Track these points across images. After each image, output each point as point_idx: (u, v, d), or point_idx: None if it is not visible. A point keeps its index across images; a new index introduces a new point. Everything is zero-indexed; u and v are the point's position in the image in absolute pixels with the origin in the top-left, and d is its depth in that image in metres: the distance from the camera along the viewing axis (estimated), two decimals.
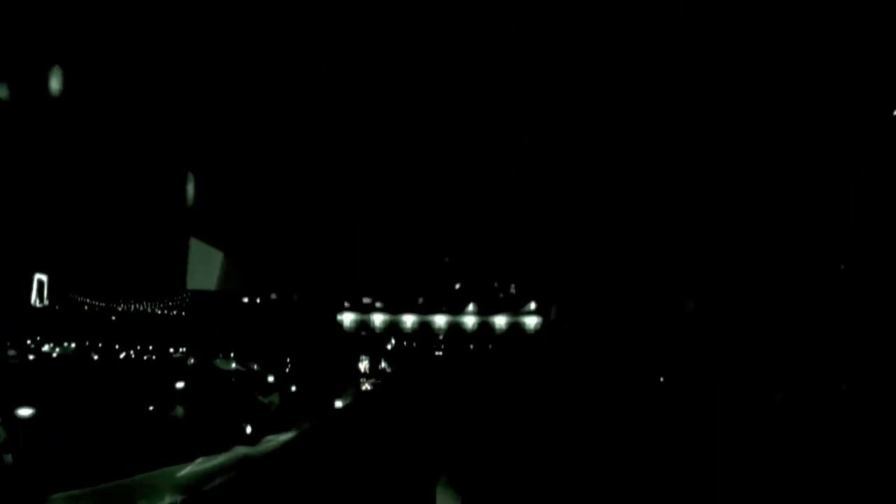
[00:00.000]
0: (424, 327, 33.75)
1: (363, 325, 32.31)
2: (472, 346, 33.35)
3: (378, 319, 32.63)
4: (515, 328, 34.93)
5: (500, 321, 34.99)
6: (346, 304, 31.36)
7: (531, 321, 34.61)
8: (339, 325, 29.95)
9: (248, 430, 27.42)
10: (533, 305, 34.59)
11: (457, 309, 34.43)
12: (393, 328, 33.20)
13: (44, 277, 51.21)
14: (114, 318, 48.10)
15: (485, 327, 34.86)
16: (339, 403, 23.93)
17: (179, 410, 25.25)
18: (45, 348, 40.60)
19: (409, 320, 33.37)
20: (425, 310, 33.93)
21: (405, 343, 33.23)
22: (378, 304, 32.66)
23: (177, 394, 26.31)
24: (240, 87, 21.85)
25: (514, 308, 34.94)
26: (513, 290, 34.58)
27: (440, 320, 34.07)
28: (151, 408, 25.41)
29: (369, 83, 21.35)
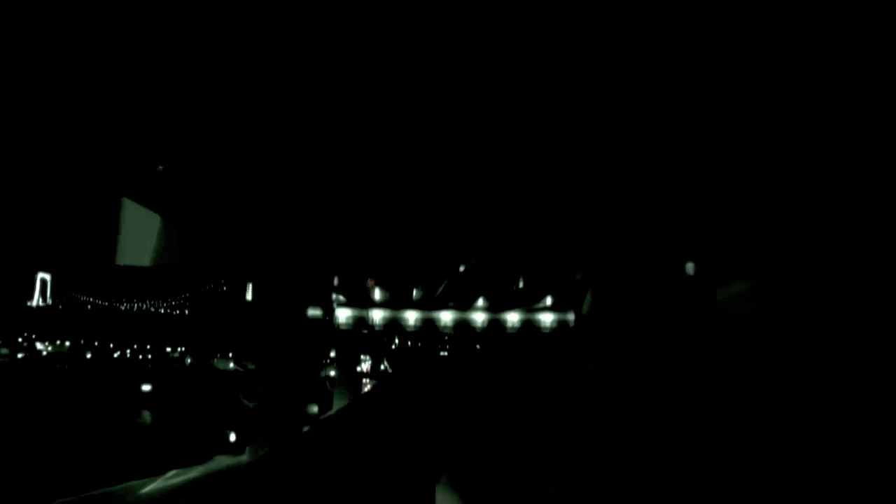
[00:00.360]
0: (428, 325, 31.83)
1: (361, 322, 30.42)
2: (478, 346, 31.75)
3: (378, 316, 30.66)
4: (529, 326, 32.89)
5: (513, 318, 32.92)
6: (343, 300, 29.38)
7: (547, 318, 32.67)
8: (315, 319, 27.88)
9: (232, 437, 25.64)
10: (549, 301, 32.60)
11: (464, 304, 32.44)
12: (393, 325, 31.36)
13: (47, 276, 50.92)
14: (114, 316, 47.34)
15: (495, 325, 32.91)
16: (314, 409, 22.08)
17: (146, 416, 23.59)
18: (39, 346, 40.07)
19: (411, 317, 31.43)
20: (429, 305, 31.98)
21: (409, 342, 31.61)
22: (377, 298, 30.64)
23: (143, 397, 24.60)
24: (216, 58, 19.87)
25: (528, 303, 32.88)
26: (521, 285, 32.60)
27: (446, 317, 32.19)
28: (117, 414, 23.84)
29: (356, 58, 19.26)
